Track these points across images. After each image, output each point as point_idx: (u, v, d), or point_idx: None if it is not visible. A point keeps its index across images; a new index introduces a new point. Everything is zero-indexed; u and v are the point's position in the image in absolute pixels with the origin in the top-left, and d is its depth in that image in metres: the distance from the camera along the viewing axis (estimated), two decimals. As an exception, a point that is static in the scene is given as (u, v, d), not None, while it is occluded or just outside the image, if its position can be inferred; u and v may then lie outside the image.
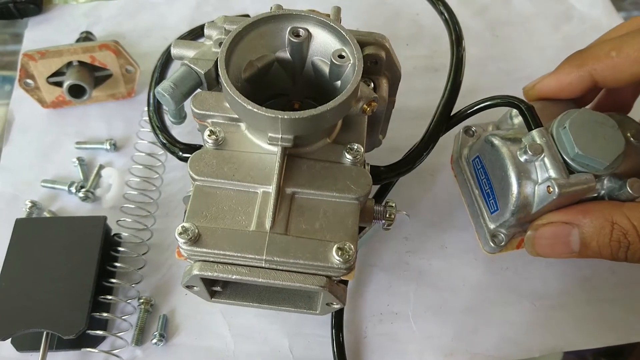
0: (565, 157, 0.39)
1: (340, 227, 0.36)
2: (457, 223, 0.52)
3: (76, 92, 0.53)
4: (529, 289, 0.48)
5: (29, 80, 0.54)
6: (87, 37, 0.60)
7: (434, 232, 0.51)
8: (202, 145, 0.43)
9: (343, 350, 0.44)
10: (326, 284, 0.34)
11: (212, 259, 0.35)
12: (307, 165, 0.38)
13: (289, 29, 0.39)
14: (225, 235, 0.35)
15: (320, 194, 0.37)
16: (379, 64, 0.43)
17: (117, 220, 0.48)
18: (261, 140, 0.39)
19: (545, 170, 0.39)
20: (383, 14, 0.69)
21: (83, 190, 0.50)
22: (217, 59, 0.42)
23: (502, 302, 0.48)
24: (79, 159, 0.53)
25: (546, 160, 0.39)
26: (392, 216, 0.41)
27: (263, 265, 0.34)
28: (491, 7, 0.70)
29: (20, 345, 0.43)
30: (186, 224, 0.34)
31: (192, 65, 0.42)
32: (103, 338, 0.44)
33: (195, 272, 0.35)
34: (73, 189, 0.51)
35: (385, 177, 0.46)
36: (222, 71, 0.36)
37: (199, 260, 0.35)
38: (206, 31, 0.43)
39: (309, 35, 0.40)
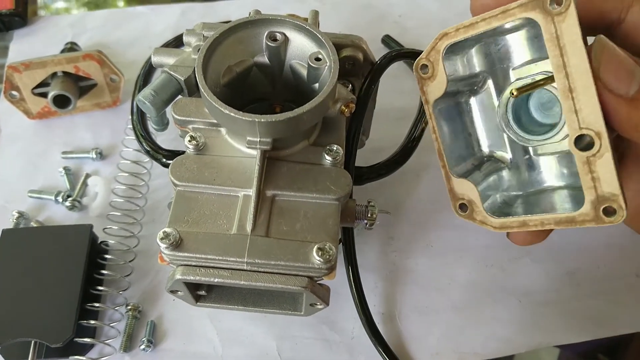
0: None
1: (321, 228, 0.36)
2: (443, 222, 0.52)
3: (61, 102, 0.54)
4: (515, 286, 0.49)
5: (14, 92, 0.54)
6: (72, 47, 0.61)
7: (419, 231, 0.52)
8: (183, 152, 0.44)
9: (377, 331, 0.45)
10: (308, 285, 0.35)
11: (194, 263, 0.35)
12: (287, 168, 0.38)
13: (266, 34, 0.40)
14: (207, 239, 0.35)
15: (301, 196, 0.37)
16: (356, 66, 0.44)
17: (104, 228, 0.48)
18: (241, 144, 0.39)
19: None
20: (367, 16, 0.69)
21: (70, 199, 0.51)
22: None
23: (488, 300, 0.48)
24: (65, 168, 0.53)
25: None
26: (374, 216, 0.41)
27: (245, 267, 0.35)
28: None
29: (9, 355, 0.43)
30: (168, 229, 0.35)
31: (171, 72, 0.42)
32: (91, 346, 0.44)
33: (178, 276, 0.35)
34: (60, 199, 0.51)
35: (367, 178, 0.46)
36: (199, 77, 0.36)
37: (182, 265, 0.35)
38: (185, 38, 0.43)
39: (286, 39, 0.40)
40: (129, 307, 0.45)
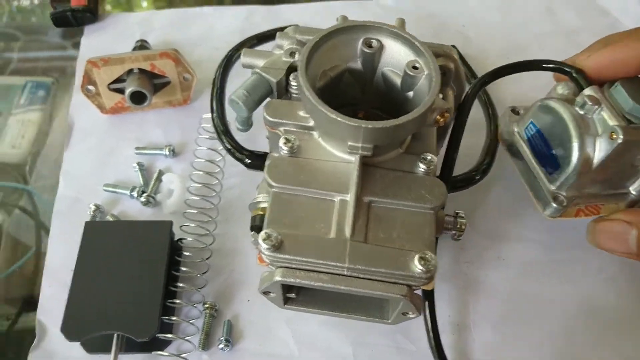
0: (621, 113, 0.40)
1: (417, 237, 0.36)
2: (513, 235, 0.52)
3: (137, 98, 0.54)
4: (591, 304, 0.48)
5: (90, 87, 0.55)
6: (142, 45, 0.62)
7: (489, 243, 0.52)
8: (265, 153, 0.44)
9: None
10: (407, 293, 0.35)
11: (294, 266, 0.35)
12: (381, 174, 0.39)
13: (361, 40, 0.40)
14: (306, 242, 0.35)
15: (397, 203, 0.37)
16: (447, 76, 0.44)
17: (181, 226, 0.48)
18: (336, 148, 0.39)
19: (604, 122, 0.40)
20: (430, 26, 0.69)
21: (144, 195, 0.51)
22: (287, 67, 0.43)
23: (560, 314, 0.48)
24: (139, 164, 0.54)
25: (604, 111, 0.40)
26: (463, 227, 0.41)
27: (345, 272, 0.35)
28: (535, 19, 0.71)
29: (90, 348, 0.44)
30: (269, 230, 0.35)
31: (263, 74, 0.43)
32: (169, 342, 0.45)
33: (278, 278, 0.35)
34: (135, 194, 0.52)
35: (457, 187, 0.46)
36: (303, 80, 0.37)
37: (281, 267, 0.35)
38: (278, 40, 0.44)
39: (381, 46, 0.40)
40: (206, 305, 0.46)
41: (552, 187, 0.44)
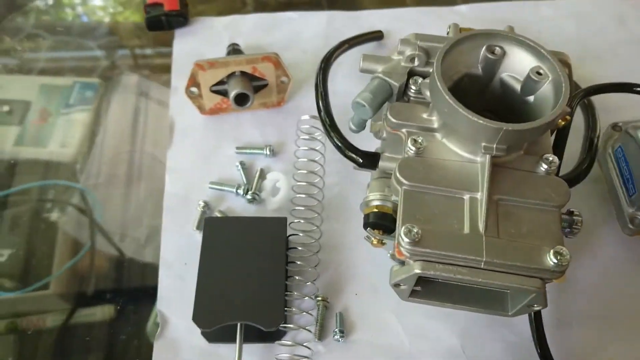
0: None
1: (547, 233, 0.38)
2: (604, 235, 0.54)
3: (241, 100, 0.57)
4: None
5: (194, 89, 0.57)
6: (234, 48, 0.64)
7: (580, 241, 0.53)
8: (376, 153, 0.46)
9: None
10: (541, 286, 0.37)
11: (433, 259, 0.37)
12: (508, 174, 0.40)
13: (485, 47, 0.42)
14: (443, 237, 0.37)
15: (524, 202, 0.39)
16: (562, 81, 0.46)
17: (290, 222, 0.50)
18: (461, 149, 0.41)
19: None
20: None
21: (250, 192, 0.53)
22: (407, 72, 0.45)
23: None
24: (241, 162, 0.56)
25: None
26: (579, 225, 0.43)
27: (482, 266, 0.37)
28: (608, 28, 0.72)
29: (211, 337, 0.46)
30: (409, 225, 0.37)
31: (386, 78, 0.45)
32: (284, 333, 0.47)
33: (417, 270, 0.37)
34: (240, 191, 0.54)
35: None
36: (440, 84, 0.39)
37: (420, 260, 0.37)
38: (400, 47, 0.46)
39: (504, 53, 0.42)
40: (319, 298, 0.48)
41: (631, 210, 0.50)
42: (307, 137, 0.57)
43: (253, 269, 0.46)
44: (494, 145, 0.38)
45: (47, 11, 0.76)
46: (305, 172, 0.54)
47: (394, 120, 0.43)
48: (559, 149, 0.47)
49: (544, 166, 0.41)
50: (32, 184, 0.58)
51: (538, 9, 0.74)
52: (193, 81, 0.57)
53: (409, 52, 0.45)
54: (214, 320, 0.43)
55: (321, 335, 0.46)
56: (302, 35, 0.69)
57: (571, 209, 0.43)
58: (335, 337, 0.46)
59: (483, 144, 0.39)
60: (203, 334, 0.46)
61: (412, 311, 0.48)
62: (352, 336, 0.47)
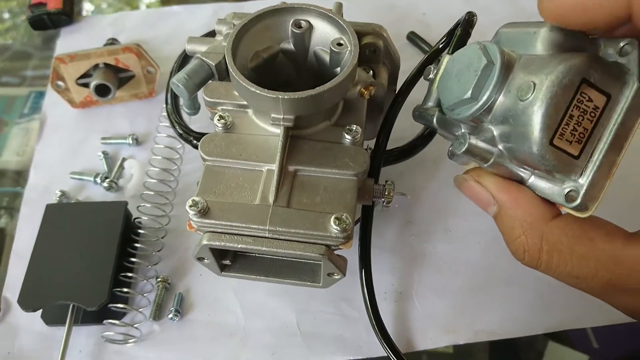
0: None
1: (339, 201, 0.38)
2: (460, 209, 0.53)
3: (102, 91, 0.58)
4: (531, 270, 0.49)
5: (60, 82, 0.59)
6: (112, 43, 0.65)
7: (437, 217, 0.53)
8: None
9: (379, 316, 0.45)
10: (325, 252, 0.37)
11: (220, 230, 0.38)
12: (309, 146, 0.41)
13: (291, 21, 0.43)
14: (232, 208, 0.38)
15: (321, 171, 0.40)
16: (377, 53, 0.46)
17: (138, 206, 0.51)
18: (266, 123, 0.42)
19: None
20: (391, 15, 0.72)
21: (107, 180, 0.54)
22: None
23: (504, 282, 0.49)
24: (103, 152, 0.57)
25: None
26: (391, 194, 0.43)
27: (266, 235, 0.37)
28: (496, 5, 0.72)
29: (49, 320, 0.47)
30: (196, 198, 0.37)
31: (203, 58, 0.45)
32: (123, 314, 0.47)
33: (204, 242, 0.37)
34: (98, 180, 0.55)
35: (385, 161, 0.48)
36: (228, 59, 0.39)
37: (208, 232, 0.38)
38: (217, 27, 0.47)
39: (310, 27, 0.43)
40: (159, 279, 0.48)
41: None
42: (168, 124, 0.57)
43: (85, 251, 0.47)
44: (281, 116, 0.39)
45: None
46: (160, 158, 0.55)
47: (207, 98, 0.43)
48: (387, 121, 0.47)
49: (348, 137, 0.41)
50: None
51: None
52: (56, 75, 0.58)
53: (225, 31, 0.46)
54: (38, 302, 0.44)
55: (157, 315, 0.47)
56: (186, 28, 0.70)
57: (387, 179, 0.43)
58: (170, 316, 0.47)
59: (272, 115, 0.39)
60: (42, 317, 0.47)
61: (253, 290, 0.48)
62: (189, 315, 0.48)
